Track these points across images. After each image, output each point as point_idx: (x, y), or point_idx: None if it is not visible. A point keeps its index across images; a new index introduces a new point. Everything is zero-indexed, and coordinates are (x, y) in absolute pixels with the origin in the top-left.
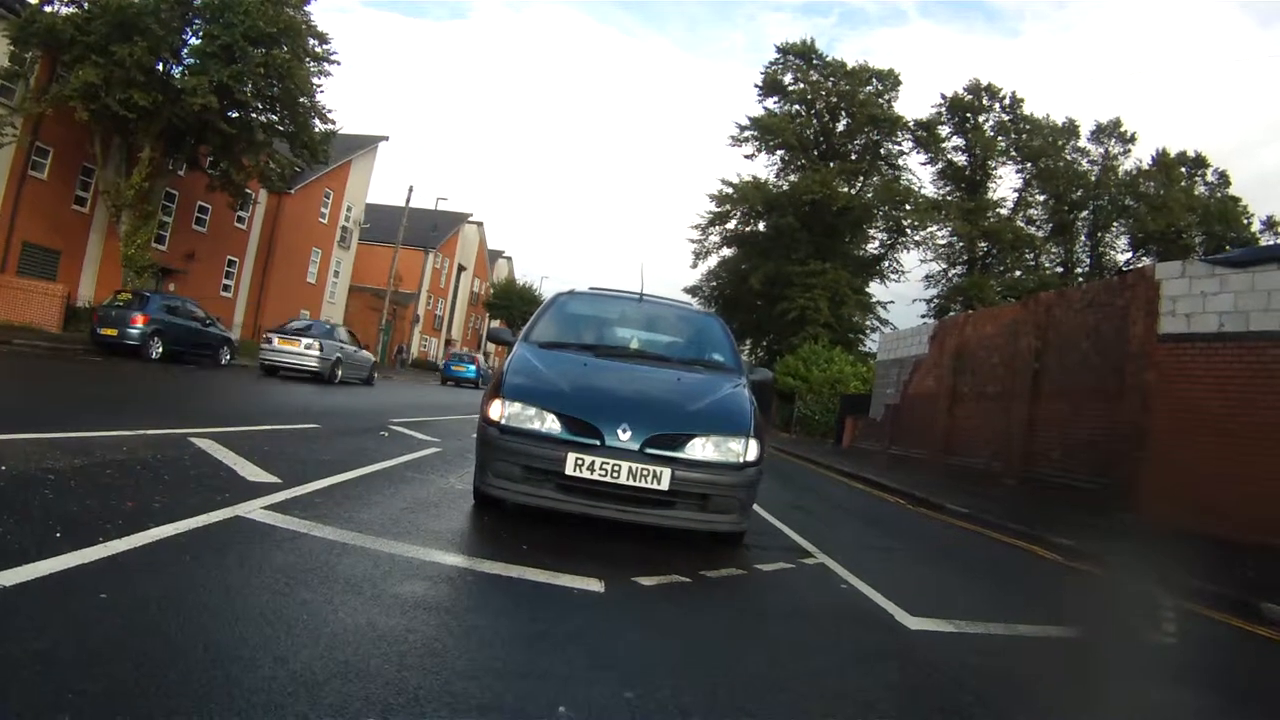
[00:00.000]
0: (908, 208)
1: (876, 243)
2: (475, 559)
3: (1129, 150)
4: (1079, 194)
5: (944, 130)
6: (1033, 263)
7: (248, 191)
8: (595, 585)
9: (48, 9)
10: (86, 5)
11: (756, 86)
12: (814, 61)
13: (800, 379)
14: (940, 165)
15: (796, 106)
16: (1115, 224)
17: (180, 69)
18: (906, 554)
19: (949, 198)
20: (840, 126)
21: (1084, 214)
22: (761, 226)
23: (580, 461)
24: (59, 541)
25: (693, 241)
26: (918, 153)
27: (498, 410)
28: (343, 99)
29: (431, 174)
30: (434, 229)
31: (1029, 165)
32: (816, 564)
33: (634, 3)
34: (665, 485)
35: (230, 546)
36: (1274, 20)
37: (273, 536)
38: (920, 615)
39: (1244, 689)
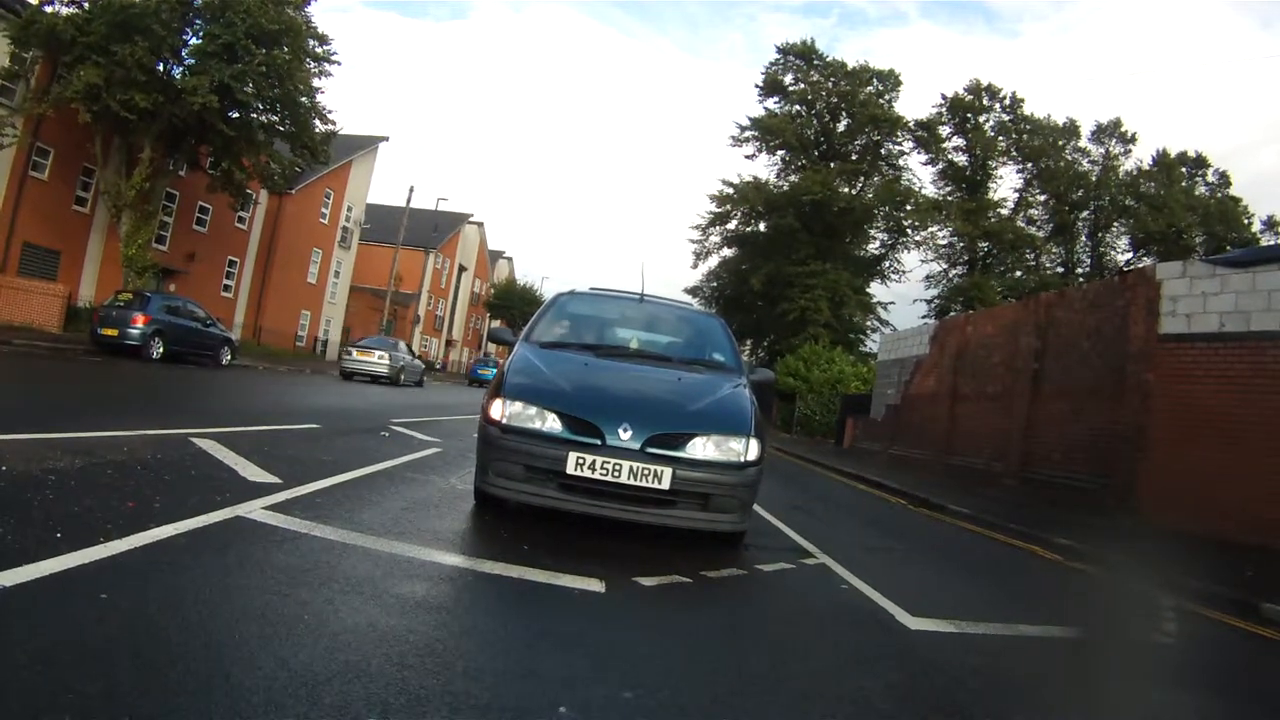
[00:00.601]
0: (908, 208)
1: (877, 243)
2: (476, 559)
3: (1129, 150)
4: (1079, 194)
5: (944, 130)
6: (1033, 263)
7: (248, 192)
8: (596, 585)
9: (48, 9)
10: (87, 5)
11: (757, 87)
12: (814, 62)
13: (801, 379)
14: (941, 165)
15: (797, 107)
16: (1116, 224)
17: (181, 69)
18: (907, 554)
19: (949, 198)
20: (841, 127)
21: (1084, 214)
22: (762, 227)
23: (581, 461)
24: (59, 542)
25: (693, 242)
26: (918, 153)
27: (499, 410)
28: (343, 99)
29: (432, 174)
30: (434, 229)
31: (1029, 165)
32: (817, 564)
33: (634, 3)
34: (666, 485)
35: (231, 547)
36: (1274, 21)
37: (273, 537)
38: (921, 615)
39: (1244, 689)
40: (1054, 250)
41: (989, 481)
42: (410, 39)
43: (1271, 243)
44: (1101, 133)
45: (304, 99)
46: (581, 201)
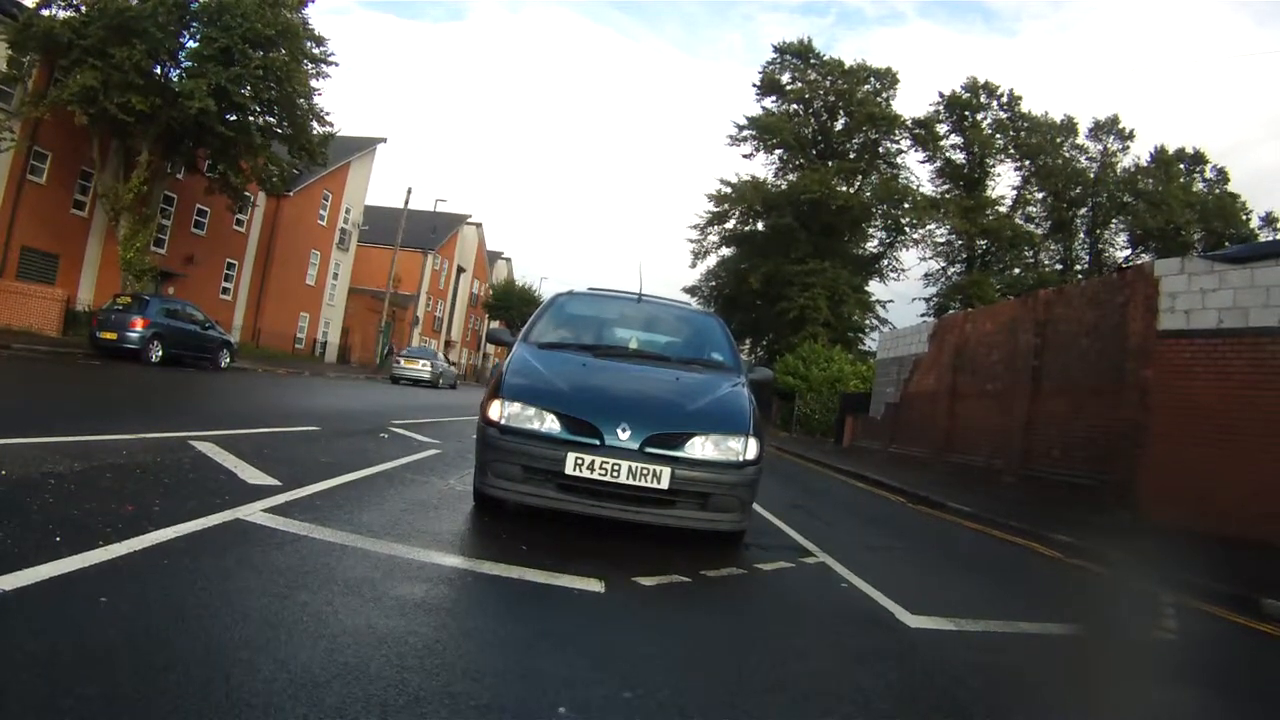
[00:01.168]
0: (906, 206)
1: (875, 241)
2: (475, 560)
3: (1127, 147)
4: (1078, 191)
5: (942, 128)
6: (1032, 260)
7: (246, 194)
8: (595, 585)
9: (45, 12)
10: (84, 9)
11: (754, 86)
12: (812, 61)
13: (800, 378)
14: (939, 163)
15: (794, 106)
16: (1114, 221)
17: (178, 72)
18: (907, 552)
19: (948, 196)
20: (838, 125)
21: (1083, 211)
22: (760, 226)
23: (580, 461)
24: (59, 545)
25: (691, 241)
26: (916, 151)
27: (497, 410)
28: (340, 101)
29: (430, 175)
30: (433, 230)
31: (1027, 163)
32: (817, 563)
33: (631, 4)
34: (665, 484)
35: (230, 549)
36: (1270, 19)
37: (273, 539)
38: (921, 613)
39: (1245, 685)
40: (1052, 247)
41: (989, 479)
42: (408, 40)
43: (1270, 239)
44: (1099, 130)
45: (301, 101)
46: (580, 202)
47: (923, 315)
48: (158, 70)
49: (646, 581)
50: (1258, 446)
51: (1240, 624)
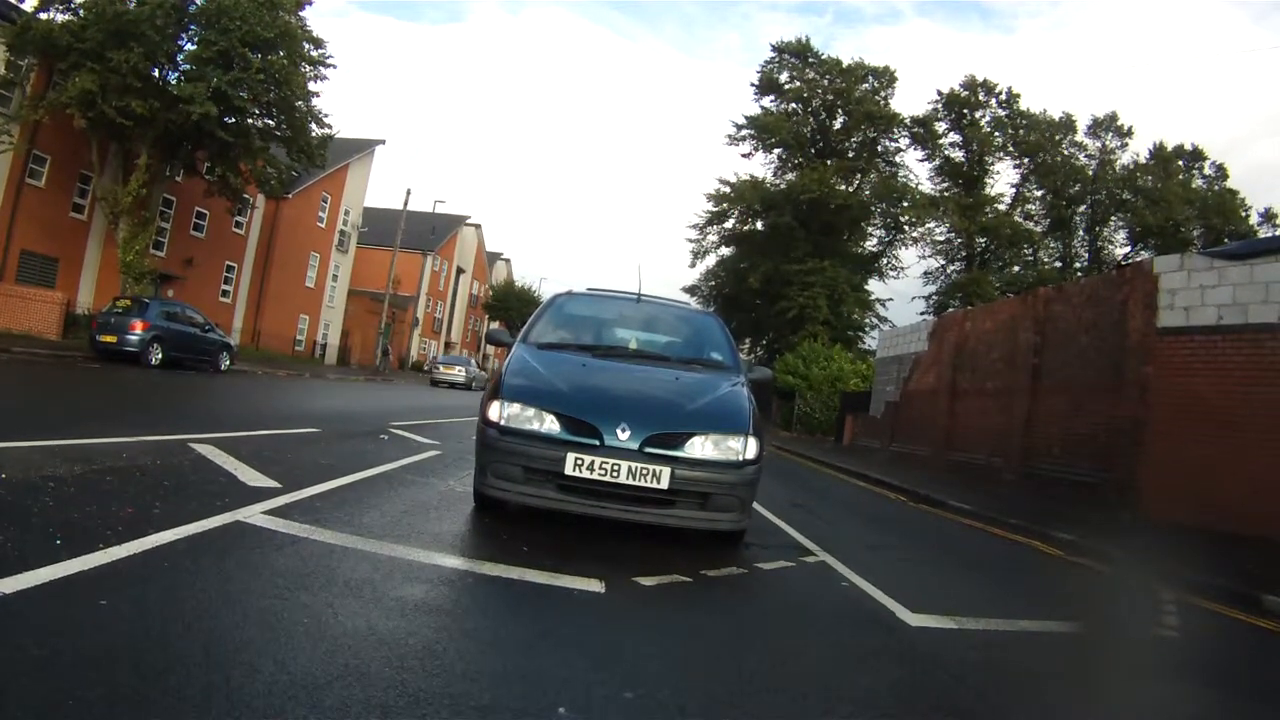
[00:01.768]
0: (905, 204)
1: (875, 240)
2: (475, 561)
3: (1126, 144)
4: (1076, 188)
5: (941, 126)
6: (1031, 258)
7: (245, 196)
8: (595, 586)
9: (43, 16)
10: (82, 12)
11: (753, 85)
12: (810, 60)
13: (800, 377)
14: (938, 161)
15: (793, 105)
16: (1113, 218)
17: (176, 75)
18: (907, 551)
19: (947, 194)
20: (837, 124)
21: (1082, 208)
22: (759, 225)
23: (580, 461)
24: (59, 548)
25: (691, 241)
26: (915, 149)
27: (497, 411)
28: (339, 103)
29: (429, 177)
30: (432, 232)
31: (1026, 160)
32: (817, 562)
33: (630, 5)
34: (665, 484)
35: (230, 551)
36: (1268, 15)
37: (273, 541)
38: (921, 612)
39: (1246, 682)
40: (1052, 245)
41: (989, 477)
42: (406, 42)
43: (1269, 235)
44: (1098, 127)
45: (300, 103)
46: (579, 202)
47: (922, 313)
48: (156, 73)
49: (646, 581)
50: (1258, 442)
51: (1241, 620)
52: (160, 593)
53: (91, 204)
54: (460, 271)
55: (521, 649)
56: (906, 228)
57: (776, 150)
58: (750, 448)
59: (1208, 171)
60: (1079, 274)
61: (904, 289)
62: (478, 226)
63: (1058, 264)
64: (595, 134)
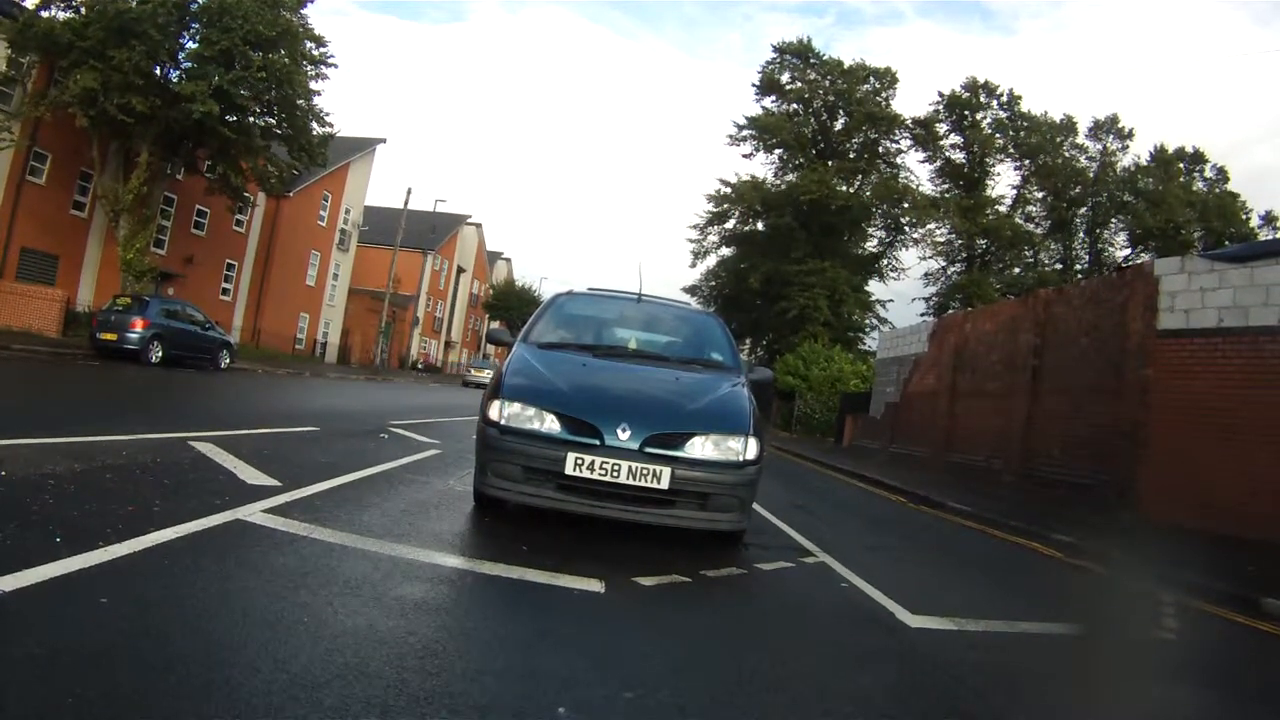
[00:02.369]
0: (906, 205)
1: (875, 241)
2: (475, 560)
3: (1127, 146)
4: (1077, 190)
5: (942, 128)
6: (1031, 259)
7: (246, 195)
8: (595, 586)
9: (45, 14)
10: (84, 10)
11: (754, 86)
12: (811, 60)
13: (800, 378)
14: (938, 163)
15: (794, 105)
16: (1114, 220)
17: (178, 73)
18: (907, 552)
19: (947, 195)
20: (838, 125)
21: (1082, 210)
22: (760, 226)
23: (580, 461)
24: (59, 546)
25: (691, 241)
26: (916, 150)
27: (497, 411)
28: (340, 102)
29: (430, 176)
30: (433, 231)
31: (1027, 162)
32: (817, 563)
33: (631, 5)
34: (665, 484)
35: (230, 550)
36: (1270, 18)
37: (272, 539)
38: (921, 613)
39: (1245, 684)
40: (1052, 247)
41: (989, 479)
42: (407, 42)
43: (1269, 238)
44: (1099, 129)
45: (301, 102)
46: (579, 202)
47: (923, 315)
48: (157, 71)
49: (646, 581)
50: (1258, 445)
51: (1240, 623)
52: (160, 591)
53: (92, 201)
54: (461, 271)
55: (521, 649)
56: (907, 229)
57: (777, 151)
58: (750, 448)
59: (1209, 174)
60: (1079, 276)
61: (904, 290)
62: (478, 226)
63: (1058, 266)
64: (596, 134)
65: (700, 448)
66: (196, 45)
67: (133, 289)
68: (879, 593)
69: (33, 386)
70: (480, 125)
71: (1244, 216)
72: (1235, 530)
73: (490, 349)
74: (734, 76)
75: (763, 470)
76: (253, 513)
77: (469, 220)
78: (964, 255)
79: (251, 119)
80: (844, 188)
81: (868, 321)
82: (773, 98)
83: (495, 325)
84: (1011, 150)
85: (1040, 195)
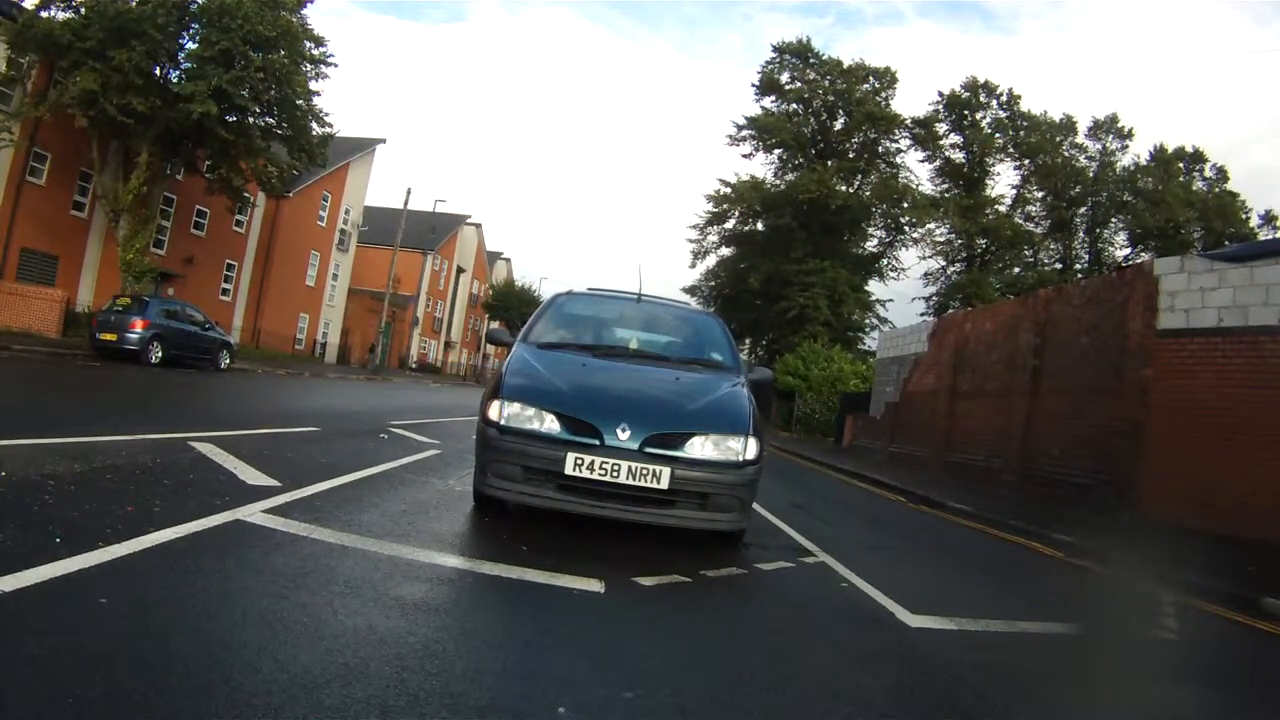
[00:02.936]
0: (906, 205)
1: (875, 241)
2: (475, 560)
3: (1126, 146)
4: (1077, 190)
5: (942, 128)
6: (1031, 259)
7: (246, 195)
8: (595, 586)
9: (44, 14)
10: (83, 11)
11: (754, 86)
12: (810, 60)
13: (800, 378)
14: (938, 162)
15: (793, 105)
16: (1114, 220)
17: (177, 74)
18: (907, 552)
19: (947, 195)
20: (838, 125)
21: (1082, 210)
22: (760, 226)
23: (580, 461)
24: (59, 546)
25: (691, 241)
26: (916, 150)
27: (497, 411)
28: (340, 102)
29: (429, 176)
30: (432, 231)
31: (1027, 162)
32: (817, 563)
33: (631, 5)
34: (665, 484)
35: (230, 550)
36: (1269, 18)
37: (272, 540)
38: (921, 613)
39: (1245, 684)
40: (1052, 246)
41: (989, 478)
42: (407, 42)
43: (1269, 237)
44: (1098, 128)
45: (301, 102)
46: (579, 202)
47: (922, 314)
48: (157, 72)
49: (646, 581)
50: (1258, 445)
51: (1240, 623)
52: (160, 591)
53: (92, 202)
54: (460, 271)
55: (521, 648)
56: (907, 229)
57: (777, 151)
58: (750, 448)
59: (1208, 174)
60: (1079, 276)
61: (904, 290)
62: (478, 226)
63: (1058, 265)
64: (596, 134)
65: (700, 448)
66: (196, 46)
67: (132, 289)
68: (879, 593)
69: (33, 387)
70: (480, 125)
71: (1244, 216)
72: (1235, 530)
73: (490, 349)
74: (734, 77)
75: (762, 470)
76: (253, 513)
77: (469, 220)
78: (964, 255)
79: (251, 119)
80: (844, 188)
81: (868, 321)
82: (772, 98)
83: (495, 325)
84: (1011, 150)
85: (1040, 195)
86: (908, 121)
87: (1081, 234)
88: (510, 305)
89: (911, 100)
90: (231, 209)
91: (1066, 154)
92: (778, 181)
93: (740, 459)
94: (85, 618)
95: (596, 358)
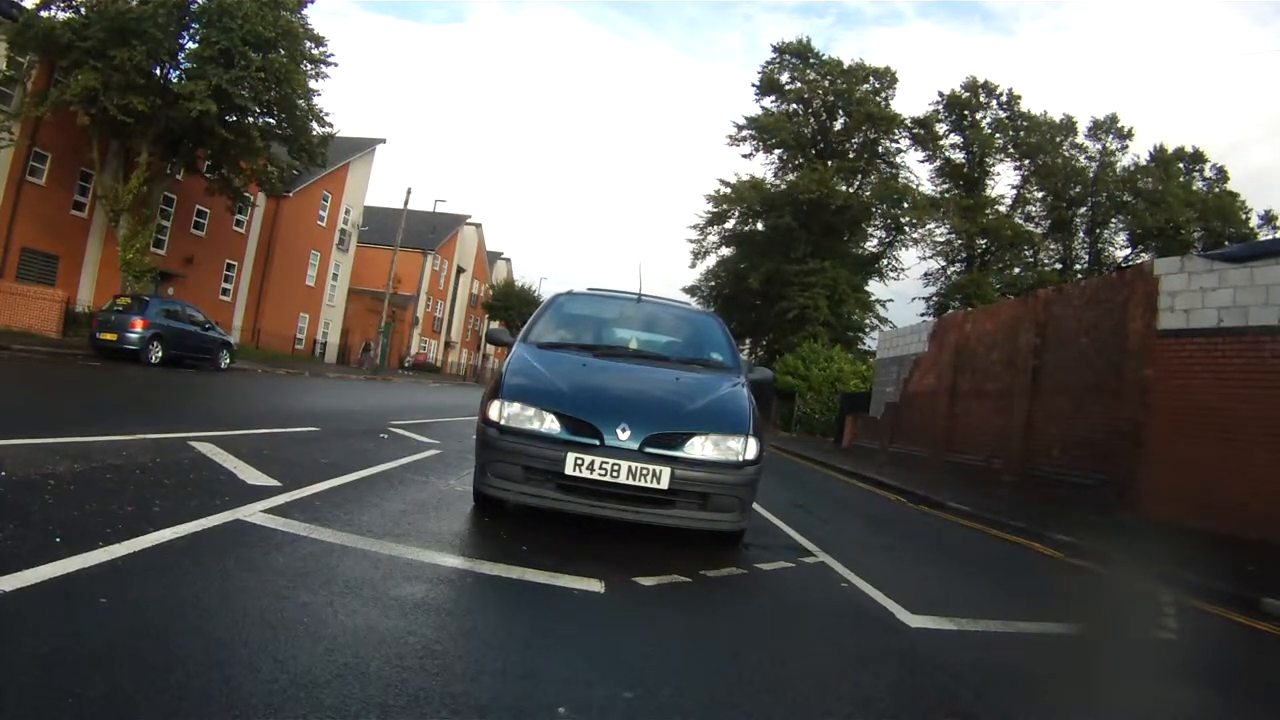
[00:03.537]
0: (906, 205)
1: (875, 241)
2: (475, 560)
3: (1126, 146)
4: (1077, 190)
5: (942, 128)
6: (1031, 259)
7: (246, 195)
8: (595, 586)
9: (45, 14)
10: (84, 10)
11: (754, 86)
12: (811, 60)
13: (800, 378)
14: (938, 163)
15: (794, 105)
16: (1114, 220)
17: (178, 73)
18: (907, 552)
19: (947, 195)
20: (838, 125)
21: (1082, 210)
22: (760, 226)
23: (580, 461)
24: (59, 546)
25: (691, 241)
26: (916, 150)
27: (497, 411)
28: (340, 102)
29: (430, 176)
30: (432, 231)
31: (1027, 162)
32: (817, 563)
33: (631, 5)
34: (665, 484)
35: (230, 550)
36: (1268, 18)
37: (272, 539)
38: (921, 613)
39: (1245, 684)
40: (1052, 247)
41: (988, 478)
42: (407, 42)
43: (1269, 237)
44: (1098, 129)
45: (301, 102)
46: (579, 202)
47: (922, 315)
48: (157, 71)
49: (646, 581)
50: (1258, 445)
51: (1240, 623)
52: (160, 591)
53: (92, 202)
54: (460, 271)
55: (521, 648)
56: (907, 229)
57: (777, 151)
58: (750, 448)
59: (1208, 174)
60: (1079, 276)
61: (904, 290)
62: (478, 226)
63: (1058, 266)
64: (596, 134)
65: (700, 448)
66: (196, 45)
67: (133, 289)
68: (879, 593)
69: (33, 387)
70: (480, 125)
71: (1244, 216)
72: (1235, 530)
73: (490, 349)
74: (734, 77)
75: (762, 470)
76: (253, 513)
77: (469, 220)
78: (964, 255)
79: (251, 119)
80: (844, 188)
81: (868, 321)
82: (772, 98)
83: (495, 325)
84: (1011, 150)
85: (1040, 195)
86: (908, 121)
87: (1081, 234)
88: (510, 305)
89: (911, 100)
90: (231, 209)
91: (1066, 154)
92: (778, 181)
93: (740, 459)
94: (85, 618)
95: (597, 358)
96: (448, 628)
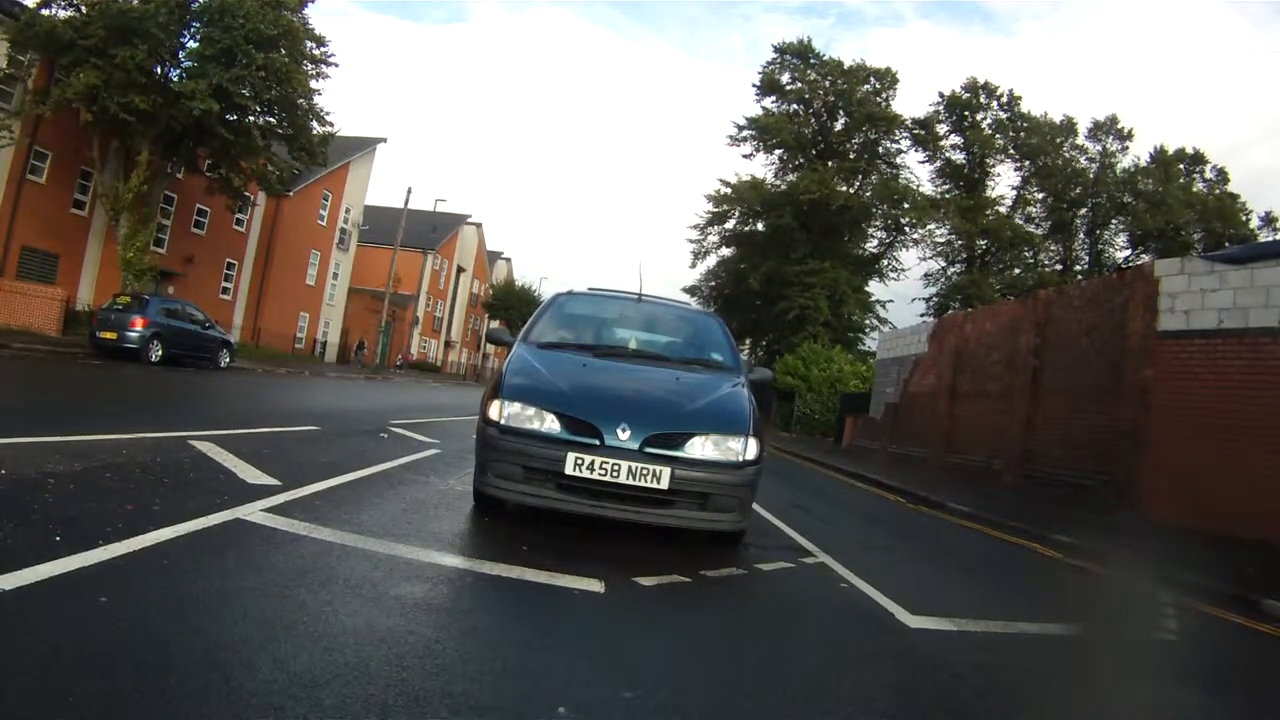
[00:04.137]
0: (906, 206)
1: (875, 241)
2: (475, 560)
3: (1126, 147)
4: (1077, 191)
5: (942, 128)
6: (1031, 260)
7: (246, 194)
8: (595, 586)
9: (46, 12)
10: (84, 9)
11: (754, 86)
12: (811, 61)
13: (800, 378)
14: (939, 163)
15: (794, 106)
16: (1114, 221)
17: (178, 72)
18: (907, 552)
19: (947, 196)
20: (838, 125)
21: (1083, 211)
22: (760, 226)
23: (580, 461)
24: (59, 545)
25: (691, 241)
26: (916, 151)
27: (497, 410)
28: (341, 101)
29: (430, 176)
30: (433, 230)
31: (1027, 163)
32: (816, 563)
33: (632, 6)
34: (665, 484)
35: (230, 549)
36: (1268, 20)
37: (272, 539)
38: (920, 614)
39: (1245, 686)
40: (1052, 248)
41: (988, 479)
42: (408, 42)
43: (1269, 239)
44: (1098, 130)
45: (302, 101)
46: (580, 202)
47: (923, 315)
48: (158, 70)
49: (646, 581)
50: (1258, 446)
51: (1240, 624)
52: (160, 590)
53: (92, 200)
54: (461, 270)
55: (521, 648)
56: (907, 229)
57: (777, 151)
58: (750, 448)
59: (1208, 175)
60: (1079, 277)
61: (904, 290)
62: (478, 225)
63: (1058, 267)
64: (597, 134)
65: (700, 448)
66: (197, 44)
67: (133, 288)
68: (879, 593)
69: (33, 385)
70: (480, 125)
71: (1244, 218)
72: (1235, 531)
73: (490, 348)
74: (734, 77)
75: (763, 470)
76: (253, 512)
77: (469, 220)
78: (964, 256)
79: (252, 118)
80: (844, 188)
81: (868, 322)
82: (773, 98)
83: (495, 325)
84: (1011, 151)
85: (1040, 196)
86: (908, 122)
87: (1082, 235)
88: (510, 305)
89: (912, 101)
90: (232, 208)
91: (1067, 155)
92: (778, 182)
93: (740, 459)
94: (85, 617)
95: (597, 358)
96: (448, 627)
